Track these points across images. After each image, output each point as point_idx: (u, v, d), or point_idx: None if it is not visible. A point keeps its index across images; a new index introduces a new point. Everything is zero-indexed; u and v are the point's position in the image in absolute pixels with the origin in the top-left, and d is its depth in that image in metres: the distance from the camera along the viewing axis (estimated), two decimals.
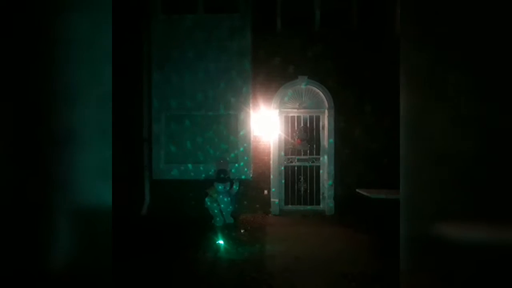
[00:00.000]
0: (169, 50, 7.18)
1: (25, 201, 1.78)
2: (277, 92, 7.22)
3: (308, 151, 7.35)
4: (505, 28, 1.44)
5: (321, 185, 7.32)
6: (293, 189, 7.36)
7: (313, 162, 7.35)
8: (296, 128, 7.36)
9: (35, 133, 1.76)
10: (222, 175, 6.21)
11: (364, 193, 5.88)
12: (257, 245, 5.09)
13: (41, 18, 1.70)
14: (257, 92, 7.21)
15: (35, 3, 1.67)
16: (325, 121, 7.25)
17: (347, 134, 7.13)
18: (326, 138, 7.22)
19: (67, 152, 1.85)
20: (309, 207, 7.32)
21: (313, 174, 7.34)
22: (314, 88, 7.21)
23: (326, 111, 7.21)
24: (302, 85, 7.21)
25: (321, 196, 7.32)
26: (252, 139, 7.18)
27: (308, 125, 7.36)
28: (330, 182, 7.13)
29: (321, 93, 7.19)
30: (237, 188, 6.42)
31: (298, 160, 7.36)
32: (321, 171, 7.32)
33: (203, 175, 6.95)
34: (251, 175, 7.16)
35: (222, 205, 6.16)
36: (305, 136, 7.32)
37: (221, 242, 5.15)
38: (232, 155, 7.16)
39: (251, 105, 7.15)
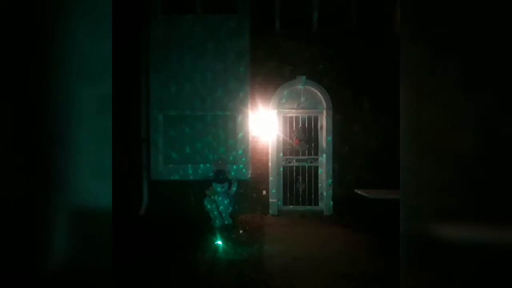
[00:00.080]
0: (167, 50, 7.16)
1: (25, 201, 1.77)
2: (275, 93, 7.22)
3: (307, 152, 7.36)
4: (504, 28, 1.45)
5: (319, 185, 7.32)
6: (292, 189, 7.36)
7: (311, 162, 7.35)
8: (294, 128, 7.37)
9: (35, 133, 1.75)
10: (220, 176, 6.20)
11: (363, 193, 5.88)
12: (255, 246, 5.09)
13: (42, 18, 1.70)
14: (255, 92, 7.21)
15: (35, 4, 1.67)
16: (323, 121, 7.26)
17: (346, 134, 7.14)
18: (324, 138, 7.23)
19: (67, 153, 1.85)
20: (307, 207, 7.32)
21: (311, 174, 7.34)
22: (312, 89, 7.22)
23: (325, 112, 7.21)
24: (300, 85, 7.22)
25: (319, 196, 7.32)
26: (250, 139, 7.17)
27: (306, 125, 7.37)
28: (329, 182, 7.13)
29: (319, 93, 7.20)
30: (236, 188, 6.41)
31: (297, 160, 7.36)
32: (319, 171, 7.32)
33: (202, 176, 6.94)
34: (249, 176, 7.15)
35: (220, 206, 6.15)
36: (303, 136, 7.32)
37: (219, 242, 5.15)
38: (231, 155, 7.15)
39: (249, 105, 7.14)
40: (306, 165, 7.36)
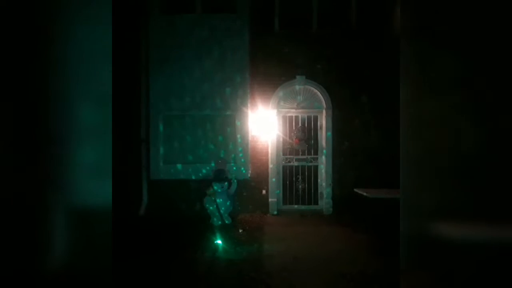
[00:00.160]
0: (167, 49, 7.15)
1: (25, 201, 1.77)
2: (275, 92, 7.22)
3: (306, 151, 7.36)
4: (504, 27, 1.45)
5: (319, 184, 7.32)
6: (291, 188, 7.36)
7: (311, 161, 7.35)
8: (294, 128, 7.37)
9: (35, 133, 1.75)
10: (220, 175, 6.20)
11: (362, 193, 5.89)
12: (255, 245, 5.09)
13: (41, 18, 1.70)
14: (255, 92, 7.20)
15: (35, 3, 1.67)
16: (323, 121, 7.26)
17: (345, 134, 7.14)
18: (324, 137, 7.23)
19: (67, 153, 1.85)
20: (307, 206, 7.32)
21: (311, 173, 7.35)
22: (312, 88, 7.22)
23: (324, 111, 7.22)
24: (300, 85, 7.22)
25: (319, 196, 7.32)
26: (250, 139, 7.17)
27: (306, 125, 7.37)
28: (329, 181, 7.13)
29: (319, 93, 7.20)
30: (235, 188, 6.41)
31: (296, 159, 7.36)
32: (319, 171, 7.33)
33: (201, 175, 6.94)
34: (249, 175, 7.15)
35: (220, 205, 6.15)
36: (303, 136, 7.32)
37: (219, 242, 5.15)
38: (231, 155, 7.14)
39: (249, 105, 7.14)
40: (306, 165, 7.36)
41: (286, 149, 7.37)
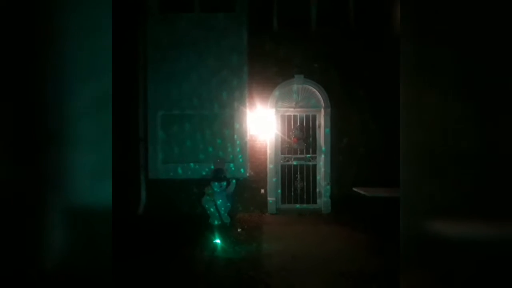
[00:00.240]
0: (164, 49, 7.13)
1: (25, 201, 1.77)
2: (273, 91, 7.22)
3: (305, 150, 7.36)
4: (505, 27, 1.46)
5: (317, 183, 7.33)
6: (290, 188, 7.37)
7: (309, 161, 7.36)
8: (292, 127, 7.37)
9: (35, 133, 1.75)
10: (218, 174, 6.20)
11: (361, 192, 5.91)
12: (254, 244, 5.10)
13: (41, 17, 1.69)
14: (253, 91, 7.20)
15: (35, 2, 1.66)
16: (322, 120, 7.27)
17: (344, 133, 7.15)
18: (322, 137, 7.24)
19: (67, 152, 1.84)
20: (306, 205, 7.33)
21: (309, 172, 7.36)
22: (311, 87, 7.22)
23: (323, 110, 7.22)
24: (298, 84, 7.22)
25: (317, 195, 7.33)
26: (248, 138, 7.16)
27: (304, 124, 7.37)
28: (327, 180, 7.15)
29: (317, 92, 7.21)
30: (234, 187, 6.42)
31: (295, 159, 7.37)
32: (317, 170, 7.34)
33: (200, 175, 6.93)
34: (247, 174, 7.15)
35: (218, 204, 6.15)
36: (301, 135, 7.33)
37: (218, 241, 5.15)
38: (229, 154, 7.14)
39: (247, 104, 7.13)
40: (304, 164, 7.37)
41: (285, 148, 7.38)
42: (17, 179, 1.76)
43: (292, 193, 7.38)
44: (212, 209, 6.16)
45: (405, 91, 1.82)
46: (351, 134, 7.15)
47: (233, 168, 6.97)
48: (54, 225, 1.89)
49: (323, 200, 7.17)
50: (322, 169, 7.23)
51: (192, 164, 7.11)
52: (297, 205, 7.34)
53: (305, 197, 7.36)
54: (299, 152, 7.37)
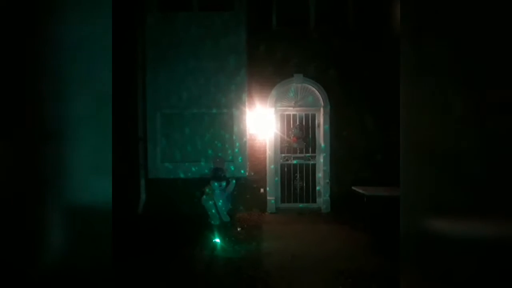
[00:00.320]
0: (163, 48, 7.12)
1: (24, 200, 1.77)
2: (272, 90, 7.22)
3: (304, 149, 7.37)
4: (505, 27, 1.46)
5: (317, 182, 7.34)
6: (289, 187, 7.38)
7: (309, 160, 7.37)
8: (292, 126, 7.38)
9: (35, 132, 1.75)
10: (218, 174, 6.19)
11: (360, 191, 5.91)
12: (253, 243, 5.11)
13: (41, 15, 1.69)
14: (252, 90, 7.20)
15: (35, 2, 1.66)
16: (321, 119, 7.27)
17: (343, 132, 7.16)
18: (321, 136, 7.25)
19: (67, 151, 1.84)
20: (305, 204, 7.34)
21: (309, 172, 7.36)
22: (310, 86, 7.23)
23: (322, 109, 7.23)
24: (298, 83, 7.23)
25: (317, 194, 7.34)
26: (248, 137, 7.16)
27: (303, 123, 7.38)
28: (326, 179, 7.15)
29: (316, 91, 7.21)
30: (233, 186, 6.41)
31: (294, 158, 7.37)
32: (317, 169, 7.35)
33: (199, 174, 6.93)
34: (247, 173, 7.15)
35: (218, 203, 6.14)
36: (300, 134, 7.33)
37: (217, 240, 5.16)
38: (228, 153, 7.14)
39: (246, 103, 7.12)
40: (304, 163, 7.37)
41: (284, 148, 7.38)
42: (16, 178, 1.76)
43: (292, 192, 7.38)
44: (211, 209, 6.15)
45: (405, 91, 1.83)
46: (350, 133, 7.15)
47: (232, 168, 6.97)
48: (54, 224, 1.89)
49: (323, 199, 7.18)
50: (322, 168, 7.24)
51: (191, 164, 7.11)
52: (297, 204, 7.34)
53: (304, 196, 7.37)
54: (298, 151, 7.37)
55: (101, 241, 1.95)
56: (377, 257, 4.38)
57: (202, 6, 7.14)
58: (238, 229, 5.87)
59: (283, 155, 7.37)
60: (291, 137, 7.33)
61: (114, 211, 2.16)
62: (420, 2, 1.78)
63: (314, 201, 7.36)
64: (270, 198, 7.19)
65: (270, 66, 7.18)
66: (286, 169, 7.38)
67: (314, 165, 7.36)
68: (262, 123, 7.16)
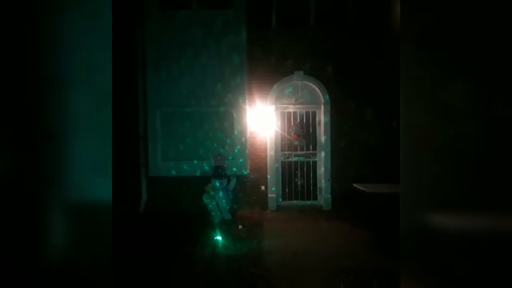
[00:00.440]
0: (163, 46, 7.11)
1: (26, 199, 1.77)
2: (273, 88, 7.21)
3: (305, 147, 7.37)
4: (505, 27, 1.46)
5: (318, 180, 7.34)
6: (290, 184, 7.38)
7: (309, 157, 7.37)
8: (292, 123, 7.37)
9: (36, 131, 1.75)
10: (219, 172, 6.21)
11: (361, 188, 5.92)
12: (254, 241, 5.11)
13: (40, 15, 1.69)
14: (253, 88, 7.19)
15: (35, 2, 1.66)
16: (321, 116, 7.27)
17: (344, 129, 7.15)
18: (322, 133, 7.24)
19: (68, 151, 1.85)
20: (306, 202, 7.34)
21: (310, 169, 7.36)
22: (310, 84, 7.22)
23: (322, 106, 7.22)
24: (298, 80, 7.21)
25: (318, 191, 7.34)
26: (248, 135, 7.16)
27: (304, 120, 7.37)
28: (327, 177, 7.15)
29: (317, 89, 7.20)
30: (234, 184, 6.43)
31: (295, 155, 7.37)
32: (318, 166, 7.34)
33: (200, 172, 6.94)
34: (248, 171, 7.16)
35: (219, 201, 6.16)
36: (301, 131, 7.33)
37: (219, 238, 5.17)
38: (229, 151, 7.14)
39: (247, 101, 7.12)
40: (305, 160, 7.37)
41: (285, 145, 7.38)
42: (17, 177, 1.76)
43: (293, 190, 7.39)
44: (212, 206, 6.18)
45: (405, 88, 1.82)
46: (351, 130, 7.14)
47: (233, 165, 6.97)
48: (55, 223, 1.90)
49: (324, 196, 7.19)
50: (322, 166, 7.24)
51: (192, 162, 7.11)
52: (298, 202, 7.35)
53: (305, 193, 7.38)
54: (299, 148, 7.37)
55: (101, 239, 1.96)
56: (379, 254, 4.39)
57: (202, 4, 7.11)
58: (239, 226, 5.88)
59: (283, 152, 7.37)
60: (292, 135, 7.33)
61: (114, 209, 2.17)
62: (420, 2, 1.78)
63: (315, 198, 7.36)
64: (271, 196, 7.19)
65: (270, 63, 7.17)
66: (287, 166, 7.38)
67: (315, 163, 7.36)
68: (262, 120, 7.16)
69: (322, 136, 7.23)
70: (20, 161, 1.76)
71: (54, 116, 1.81)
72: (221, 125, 7.22)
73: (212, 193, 6.18)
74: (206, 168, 6.77)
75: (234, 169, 6.90)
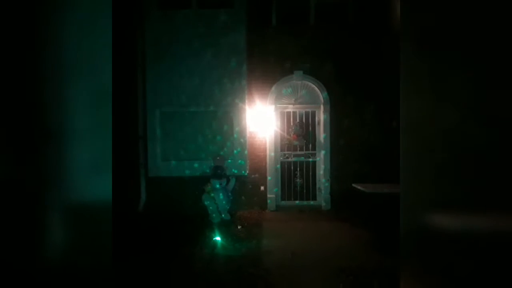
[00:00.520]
0: (163, 46, 7.11)
1: (25, 199, 1.77)
2: (272, 88, 7.21)
3: (304, 147, 7.37)
4: (505, 26, 1.46)
5: (317, 180, 7.34)
6: (290, 184, 7.38)
7: (309, 157, 7.37)
8: (292, 123, 7.37)
9: (35, 131, 1.75)
10: (218, 172, 6.21)
11: (360, 188, 5.92)
12: (254, 241, 5.11)
13: (40, 14, 1.69)
14: (252, 87, 7.19)
15: (35, 1, 1.66)
16: (321, 116, 7.27)
17: (343, 129, 7.15)
18: (322, 133, 7.24)
19: (67, 150, 1.85)
20: (305, 202, 7.34)
21: (309, 169, 7.36)
22: (310, 83, 7.22)
23: (322, 106, 7.22)
24: (298, 80, 7.21)
25: (317, 191, 7.34)
26: (248, 135, 7.16)
27: (304, 120, 7.37)
28: (327, 177, 7.15)
29: (316, 88, 7.20)
30: (234, 184, 6.43)
31: (294, 155, 7.37)
32: (317, 166, 7.34)
33: (199, 172, 6.93)
34: (247, 171, 7.16)
35: (218, 202, 6.16)
36: (301, 131, 7.33)
37: (218, 238, 5.16)
38: (228, 151, 7.14)
39: (246, 101, 7.12)
40: (304, 160, 7.37)
41: (284, 145, 7.38)
42: (16, 176, 1.76)
43: (292, 190, 7.39)
44: (212, 207, 6.17)
45: (405, 89, 1.83)
46: (350, 130, 7.14)
47: (233, 166, 6.97)
48: (54, 222, 1.90)
49: (323, 196, 7.19)
50: (322, 166, 7.24)
51: (191, 162, 7.11)
52: (297, 202, 7.35)
53: (305, 193, 7.38)
54: (298, 148, 7.37)
55: (101, 239, 1.95)
56: (378, 254, 4.39)
57: (202, 4, 7.12)
58: (239, 227, 5.87)
59: (283, 152, 7.37)
60: (291, 135, 7.33)
61: (114, 209, 2.17)
62: (420, 2, 1.78)
63: (314, 198, 7.36)
64: (271, 196, 7.19)
65: (270, 63, 7.17)
66: (286, 166, 7.38)
67: (314, 163, 7.37)
68: (262, 120, 7.16)
69: (322, 136, 7.24)
70: (20, 161, 1.76)
71: (54, 116, 1.80)
72: (220, 125, 7.22)
73: (211, 193, 6.18)
74: (206, 168, 6.77)
75: (234, 170, 6.90)
